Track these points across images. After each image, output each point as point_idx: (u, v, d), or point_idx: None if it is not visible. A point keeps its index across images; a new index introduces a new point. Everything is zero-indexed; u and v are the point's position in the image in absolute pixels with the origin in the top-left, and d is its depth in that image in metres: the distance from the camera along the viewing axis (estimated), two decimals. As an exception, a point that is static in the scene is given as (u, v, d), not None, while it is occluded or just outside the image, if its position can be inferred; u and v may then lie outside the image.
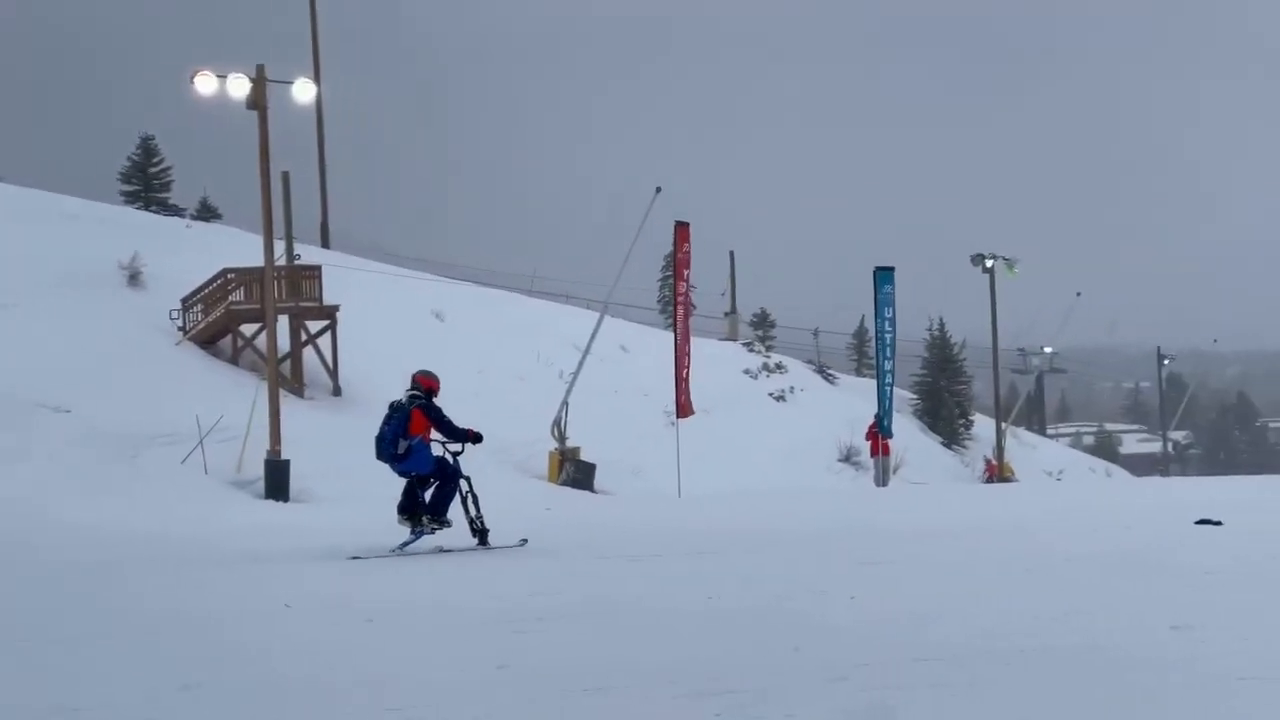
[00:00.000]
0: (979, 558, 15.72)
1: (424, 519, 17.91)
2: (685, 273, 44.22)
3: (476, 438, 18.09)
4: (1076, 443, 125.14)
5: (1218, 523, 19.93)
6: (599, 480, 40.56)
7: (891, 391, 49.19)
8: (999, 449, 64.78)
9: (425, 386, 18.14)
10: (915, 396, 77.27)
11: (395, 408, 17.90)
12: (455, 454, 18.23)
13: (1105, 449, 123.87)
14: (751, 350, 72.43)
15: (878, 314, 48.28)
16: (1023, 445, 76.91)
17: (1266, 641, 9.57)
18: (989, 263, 65.39)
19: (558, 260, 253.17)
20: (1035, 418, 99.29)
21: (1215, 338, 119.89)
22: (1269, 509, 23.93)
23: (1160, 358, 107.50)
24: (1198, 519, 20.40)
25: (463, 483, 18.12)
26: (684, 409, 41.61)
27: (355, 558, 17.00)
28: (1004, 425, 67.70)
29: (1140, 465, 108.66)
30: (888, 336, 48.25)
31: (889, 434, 47.63)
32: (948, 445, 72.94)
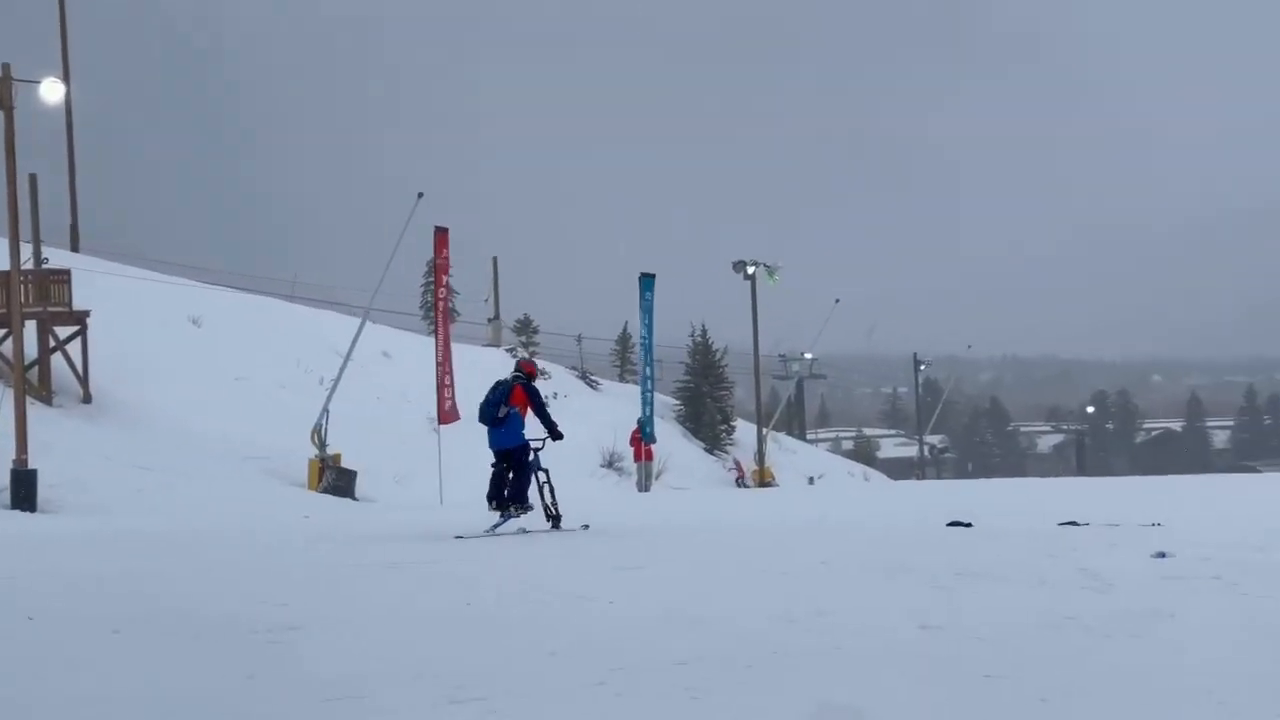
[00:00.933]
0: (736, 561, 15.98)
1: (510, 506, 20.15)
2: (445, 278, 44.04)
3: (560, 434, 20.48)
4: (836, 447, 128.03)
5: (968, 524, 20.58)
6: (360, 488, 40.13)
7: (653, 397, 49.65)
8: (760, 454, 65.83)
9: (528, 371, 20.85)
10: (678, 402, 78.08)
11: (500, 382, 20.32)
12: (537, 449, 20.39)
13: (864, 453, 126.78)
14: (515, 356, 72.39)
15: (641, 320, 48.72)
16: (783, 450, 78.25)
17: (1011, 641, 9.90)
18: (750, 270, 66.45)
19: (319, 266, 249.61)
20: (796, 423, 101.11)
21: (970, 344, 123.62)
22: (1018, 511, 24.80)
23: (917, 364, 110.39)
24: (949, 521, 21.04)
25: (541, 474, 20.39)
26: (446, 415, 41.42)
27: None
28: (765, 430, 68.84)
29: (898, 469, 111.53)
30: (649, 343, 48.70)
31: (652, 439, 48.09)
32: (710, 450, 73.85)
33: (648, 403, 48.20)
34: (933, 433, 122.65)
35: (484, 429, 20.29)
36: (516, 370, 20.79)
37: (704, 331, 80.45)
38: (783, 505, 29.41)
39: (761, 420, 69.23)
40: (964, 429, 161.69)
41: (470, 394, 50.83)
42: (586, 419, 62.74)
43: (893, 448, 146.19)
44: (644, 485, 47.37)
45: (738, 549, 17.59)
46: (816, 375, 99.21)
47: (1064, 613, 11.09)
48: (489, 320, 78.50)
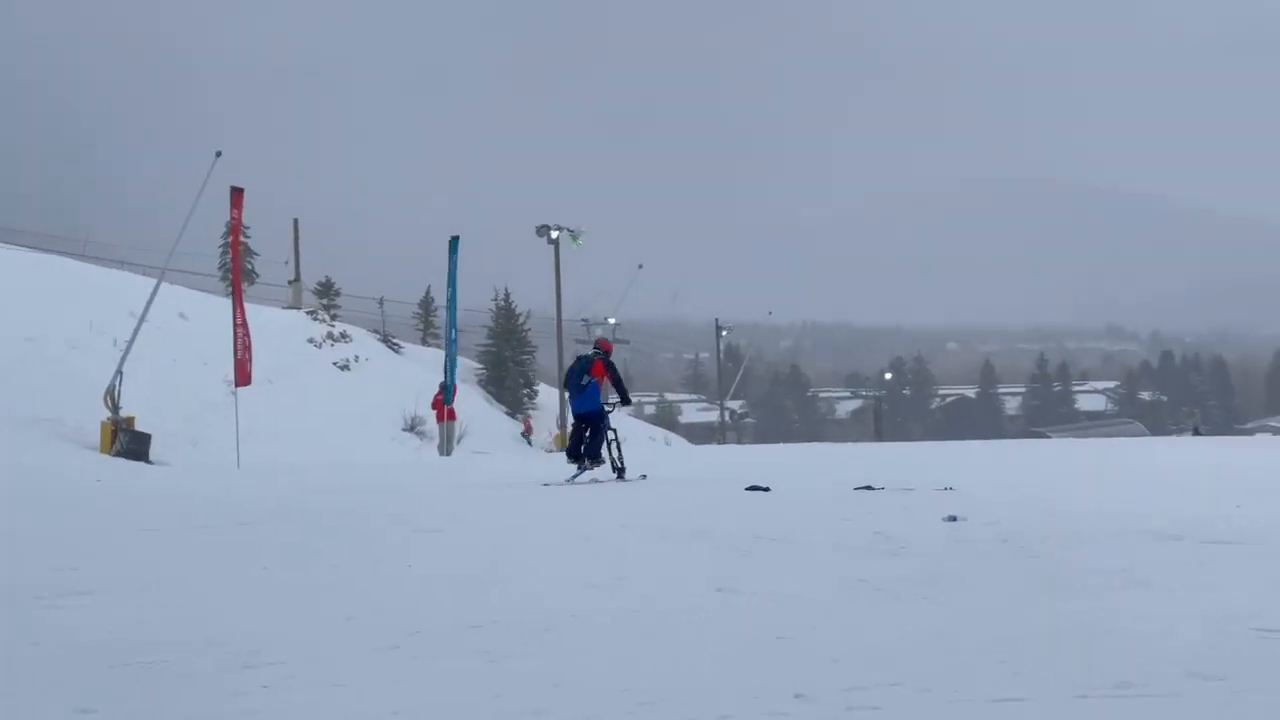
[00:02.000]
0: (537, 525, 15.99)
1: (585, 460, 23.61)
2: (240, 239, 43.21)
3: (630, 400, 24.75)
4: (638, 412, 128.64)
5: (766, 489, 20.84)
6: (155, 451, 39.29)
7: (456, 361, 49.42)
8: (562, 419, 65.94)
9: (605, 348, 24.37)
10: (481, 366, 77.89)
11: (582, 356, 24.08)
12: (609, 411, 23.85)
13: (666, 418, 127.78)
14: (315, 319, 71.49)
15: (448, 283, 48.40)
16: (586, 415, 78.33)
17: (807, 604, 10.05)
18: (554, 234, 66.39)
19: (113, 224, 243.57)
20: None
21: (770, 310, 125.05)
22: (814, 474, 25.21)
23: (718, 329, 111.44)
24: (748, 485, 21.29)
25: (610, 432, 23.84)
26: (243, 378, 40.72)
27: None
28: (565, 394, 68.97)
29: (699, 434, 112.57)
30: (453, 306, 48.43)
31: (453, 403, 47.86)
32: (512, 414, 73.79)
33: (450, 366, 47.94)
34: (734, 398, 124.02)
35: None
36: (595, 347, 24.44)
37: (507, 295, 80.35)
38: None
39: (563, 384, 69.32)
40: (765, 395, 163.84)
41: (268, 358, 50.25)
42: (388, 382, 62.32)
43: (694, 413, 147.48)
44: (445, 449, 47.14)
45: (539, 513, 17.61)
46: (619, 340, 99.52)
47: (858, 575, 11.30)
48: (289, 282, 77.39)
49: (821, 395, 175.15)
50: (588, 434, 23.76)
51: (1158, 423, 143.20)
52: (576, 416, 23.94)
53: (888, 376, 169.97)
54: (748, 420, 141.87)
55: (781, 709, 6.88)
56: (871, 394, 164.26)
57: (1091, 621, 9.04)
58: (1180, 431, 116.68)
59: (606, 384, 23.86)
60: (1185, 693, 7.03)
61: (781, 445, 63.82)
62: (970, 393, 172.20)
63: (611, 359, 24.00)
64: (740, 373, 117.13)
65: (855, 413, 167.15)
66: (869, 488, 20.92)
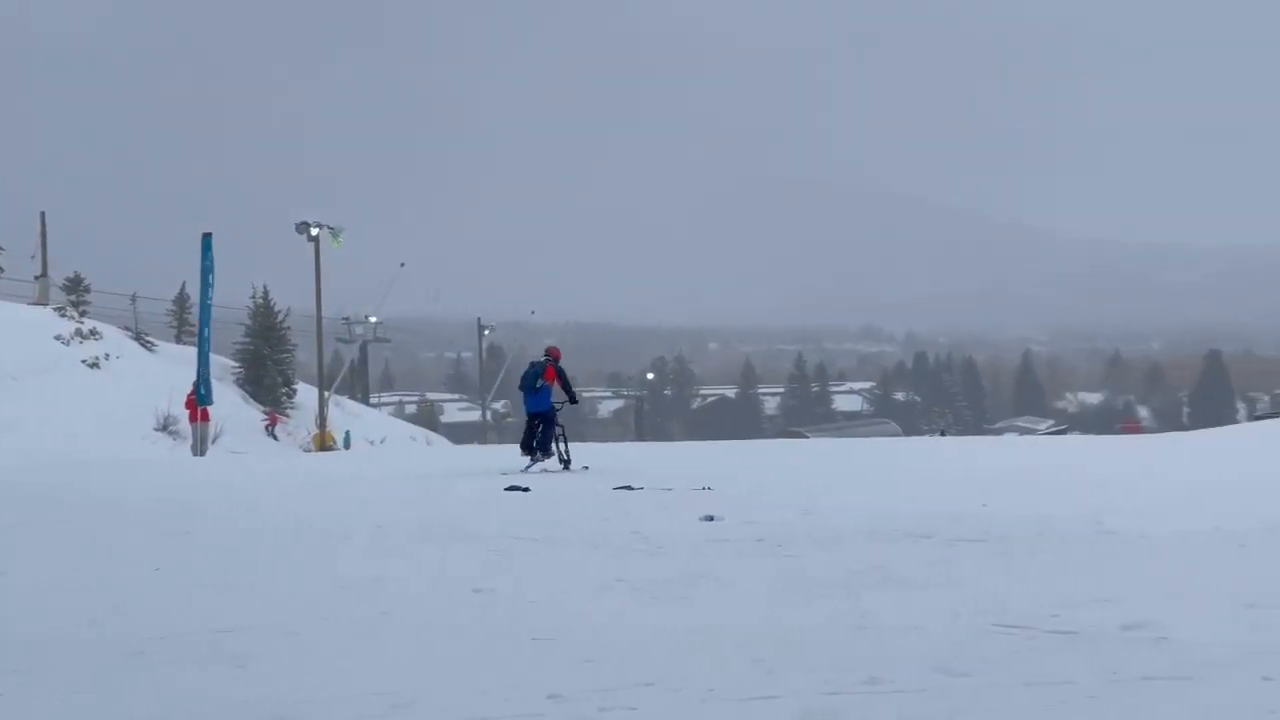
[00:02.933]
0: (292, 526, 15.73)
1: (536, 453, 26.08)
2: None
3: (577, 400, 27.44)
4: (399, 412, 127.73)
5: (526, 489, 20.84)
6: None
7: (210, 359, 48.37)
8: (321, 418, 65.06)
9: (556, 356, 27.19)
10: (237, 365, 76.42)
11: (536, 362, 26.82)
12: (558, 409, 26.53)
13: (427, 418, 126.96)
14: (64, 315, 69.26)
15: (201, 281, 47.33)
16: (346, 414, 77.56)
17: (563, 603, 10.05)
18: (314, 231, 65.42)
19: None
20: (359, 387, 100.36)
21: (533, 309, 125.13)
22: (574, 475, 25.25)
23: (481, 328, 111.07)
24: (508, 486, 21.26)
25: (558, 429, 26.49)
26: (-14, 375, 39.25)
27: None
28: (327, 394, 68.04)
29: (461, 434, 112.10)
30: (207, 303, 47.39)
31: (208, 402, 46.82)
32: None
33: (204, 364, 46.87)
34: (496, 398, 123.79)
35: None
36: (546, 355, 27.16)
37: (265, 293, 78.91)
38: (345, 468, 29.09)
39: (323, 384, 68.35)
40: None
41: (14, 355, 48.50)
42: (140, 381, 60.72)
43: (457, 412, 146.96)
44: (199, 449, 46.08)
45: (294, 514, 17.31)
46: (381, 339, 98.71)
47: (615, 575, 11.34)
48: (36, 278, 74.84)
49: (584, 395, 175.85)
50: (540, 430, 26.42)
51: (912, 423, 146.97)
52: (529, 415, 26.66)
53: (649, 376, 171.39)
54: (510, 420, 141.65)
55: (535, 710, 6.87)
56: (633, 394, 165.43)
57: (844, 619, 9.21)
58: (931, 432, 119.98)
59: (556, 386, 26.86)
60: (931, 688, 7.20)
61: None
62: (730, 393, 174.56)
63: (561, 365, 26.98)
64: (503, 372, 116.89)
65: (617, 412, 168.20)
66: (628, 488, 21.03)
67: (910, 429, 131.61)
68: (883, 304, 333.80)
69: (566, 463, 26.41)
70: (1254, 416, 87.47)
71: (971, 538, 13.62)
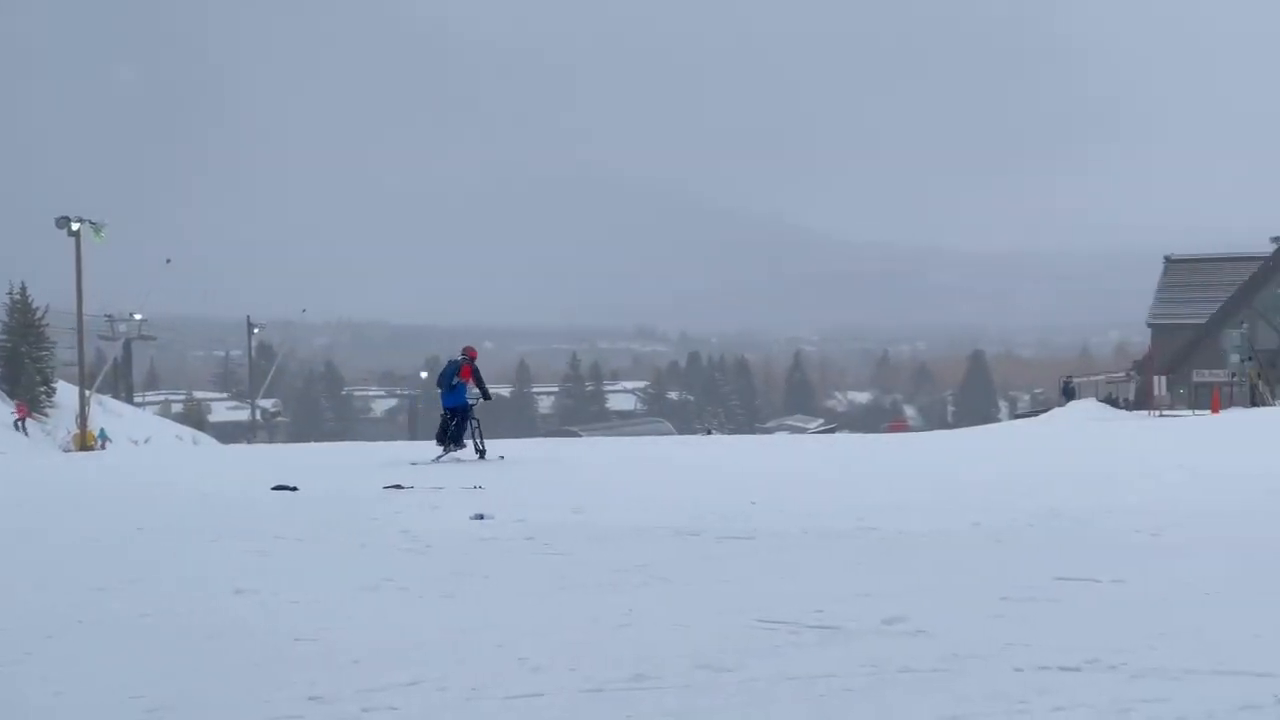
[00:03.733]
0: (55, 528, 15.29)
1: (449, 444, 27.97)
2: None
3: (490, 397, 29.40)
4: (165, 410, 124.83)
5: (294, 488, 20.54)
6: None
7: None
8: (82, 417, 63.33)
9: (471, 355, 28.78)
10: (-7, 362, 73.98)
11: (453, 361, 28.72)
12: (474, 403, 28.42)
13: (194, 417, 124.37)
14: None
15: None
16: (109, 413, 75.63)
17: (327, 604, 9.94)
18: (75, 226, 63.62)
19: None
20: (123, 385, 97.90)
21: (304, 308, 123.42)
22: (350, 474, 24.93)
23: (250, 327, 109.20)
24: (275, 485, 20.94)
25: (473, 421, 28.31)
26: None
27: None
28: (88, 393, 66.23)
29: (230, 433, 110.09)
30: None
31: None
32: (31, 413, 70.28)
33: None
34: (266, 396, 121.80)
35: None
36: (463, 354, 28.70)
37: (23, 289, 76.55)
38: (110, 470, 28.35)
39: (84, 382, 66.50)
40: (298, 393, 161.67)
41: None
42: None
43: (225, 411, 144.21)
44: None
45: (47, 515, 16.81)
46: (146, 337, 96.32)
47: (382, 574, 11.24)
48: None
49: (357, 394, 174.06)
50: (453, 423, 28.28)
51: (685, 422, 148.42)
52: (445, 409, 28.46)
53: (423, 375, 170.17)
54: (280, 419, 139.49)
55: (296, 712, 6.78)
56: (406, 392, 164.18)
57: (610, 617, 9.26)
58: (702, 431, 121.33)
59: (471, 383, 28.65)
60: (696, 684, 7.28)
61: (315, 444, 63.05)
62: (505, 391, 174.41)
63: (476, 364, 28.84)
64: (272, 371, 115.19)
65: (390, 411, 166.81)
66: (399, 486, 20.87)
67: (683, 428, 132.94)
68: (657, 304, 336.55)
69: (482, 452, 28.18)
70: (1015, 415, 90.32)
71: (739, 535, 13.80)
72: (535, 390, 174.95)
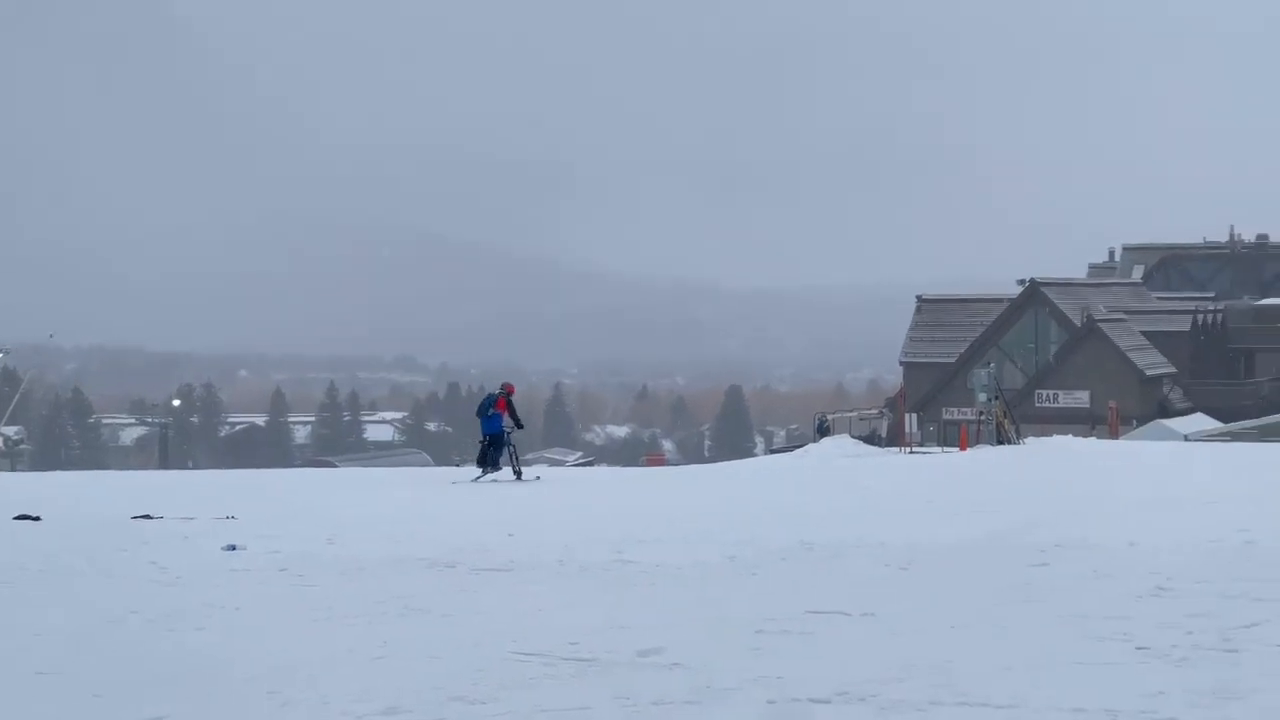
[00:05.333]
0: None
1: (487, 466, 31.08)
2: None
3: (522, 425, 32.89)
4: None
5: (37, 518, 19.89)
6: None
7: None
8: None
9: (509, 391, 32.39)
10: None
11: (491, 394, 32.47)
12: (509, 431, 31.42)
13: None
14: None
15: None
16: None
17: (70, 637, 9.65)
18: None
19: None
20: None
21: (52, 333, 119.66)
22: (93, 503, 24.23)
23: None
24: (16, 515, 20.25)
25: (510, 447, 31.41)
26: None
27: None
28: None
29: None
30: None
31: None
32: None
33: None
34: (9, 423, 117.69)
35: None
36: (501, 389, 32.59)
37: None
38: None
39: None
40: (44, 420, 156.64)
41: None
42: None
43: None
44: None
45: None
46: None
47: (129, 606, 10.95)
48: None
49: (105, 421, 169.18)
50: (490, 449, 31.47)
51: (443, 453, 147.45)
52: (484, 436, 31.97)
53: (176, 403, 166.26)
54: (23, 447, 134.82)
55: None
56: (158, 421, 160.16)
57: (364, 649, 9.15)
58: (461, 463, 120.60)
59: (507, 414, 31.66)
60: (448, 717, 7.24)
61: (61, 473, 61.16)
62: (260, 420, 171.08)
63: (511, 399, 31.97)
64: (17, 397, 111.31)
65: (141, 440, 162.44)
66: (147, 516, 20.34)
67: (441, 459, 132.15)
68: (418, 335, 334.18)
69: (519, 474, 31.30)
70: (771, 450, 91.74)
71: (496, 567, 13.78)
72: (292, 419, 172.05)
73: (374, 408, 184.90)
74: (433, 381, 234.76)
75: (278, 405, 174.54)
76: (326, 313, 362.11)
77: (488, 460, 31.70)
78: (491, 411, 31.81)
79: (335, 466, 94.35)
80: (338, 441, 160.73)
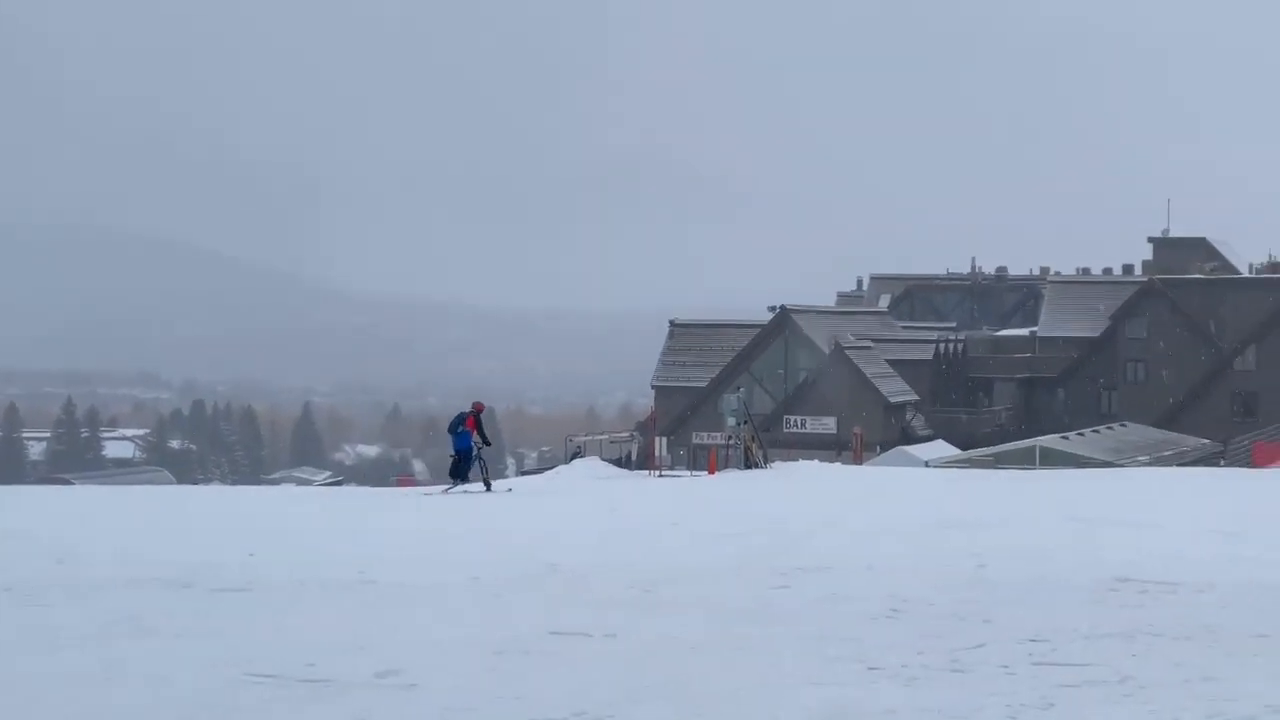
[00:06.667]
0: None
1: (456, 480, 32.96)
2: None
3: (489, 443, 34.72)
4: None
5: None
6: None
7: None
8: None
9: (478, 409, 33.62)
10: None
11: (462, 413, 33.66)
12: (480, 447, 33.01)
13: None
14: None
15: None
16: None
17: None
18: None
19: None
20: None
21: None
22: None
23: None
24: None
25: (480, 461, 33.02)
26: None
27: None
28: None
29: None
30: None
31: None
32: None
33: None
34: None
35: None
36: (471, 408, 33.69)
37: None
38: None
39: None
40: None
41: None
42: None
43: None
44: None
45: None
46: None
47: None
48: None
49: None
50: (460, 464, 33.18)
51: (187, 471, 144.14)
52: (454, 451, 33.64)
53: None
54: None
55: None
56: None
57: (91, 672, 8.91)
58: (204, 480, 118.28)
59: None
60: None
61: None
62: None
63: (480, 416, 33.55)
64: None
65: None
66: None
67: (184, 478, 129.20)
68: (161, 349, 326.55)
69: (487, 484, 33.20)
70: (522, 472, 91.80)
71: (234, 587, 13.53)
72: (25, 435, 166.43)
73: (114, 424, 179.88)
74: (176, 397, 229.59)
75: (11, 420, 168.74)
76: (59, 325, 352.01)
77: (458, 473, 33.77)
78: (461, 429, 33.61)
79: (71, 484, 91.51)
80: (75, 458, 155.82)
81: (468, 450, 33.59)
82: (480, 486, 33.28)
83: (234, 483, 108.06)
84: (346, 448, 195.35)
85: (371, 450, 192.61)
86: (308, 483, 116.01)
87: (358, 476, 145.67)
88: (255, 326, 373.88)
